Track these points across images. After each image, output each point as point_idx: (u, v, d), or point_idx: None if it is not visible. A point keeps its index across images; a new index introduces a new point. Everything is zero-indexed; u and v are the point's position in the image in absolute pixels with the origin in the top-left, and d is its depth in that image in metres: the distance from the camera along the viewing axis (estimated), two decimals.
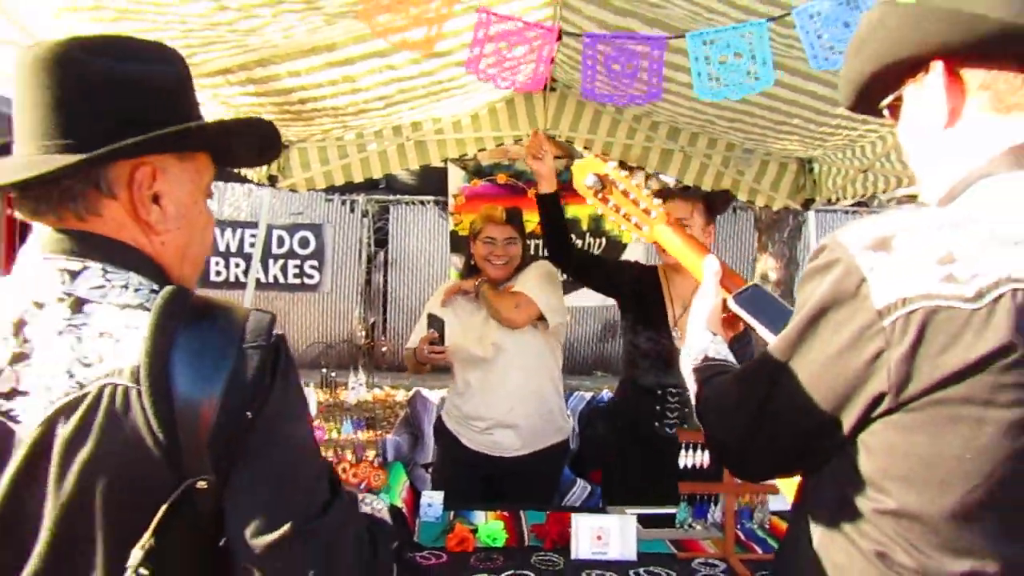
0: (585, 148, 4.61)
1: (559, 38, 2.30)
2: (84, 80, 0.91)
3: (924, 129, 1.04)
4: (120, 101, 0.93)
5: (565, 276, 3.19)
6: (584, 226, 5.10)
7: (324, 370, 8.26)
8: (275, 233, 9.38)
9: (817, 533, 1.01)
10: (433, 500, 2.49)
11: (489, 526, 2.32)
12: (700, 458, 2.29)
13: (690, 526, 2.41)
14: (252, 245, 8.79)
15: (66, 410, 0.84)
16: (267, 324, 0.90)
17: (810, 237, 4.80)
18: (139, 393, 0.83)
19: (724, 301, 1.41)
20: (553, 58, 2.91)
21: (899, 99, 1.07)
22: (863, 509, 0.93)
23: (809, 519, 1.03)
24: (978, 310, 0.83)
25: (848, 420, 0.92)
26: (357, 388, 8.18)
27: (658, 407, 2.80)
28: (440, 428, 3.17)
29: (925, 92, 1.01)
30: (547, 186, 2.87)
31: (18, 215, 0.95)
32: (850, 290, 0.90)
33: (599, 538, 2.19)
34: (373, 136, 4.34)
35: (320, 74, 3.18)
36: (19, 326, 0.88)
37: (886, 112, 1.11)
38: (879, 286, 0.87)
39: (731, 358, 1.29)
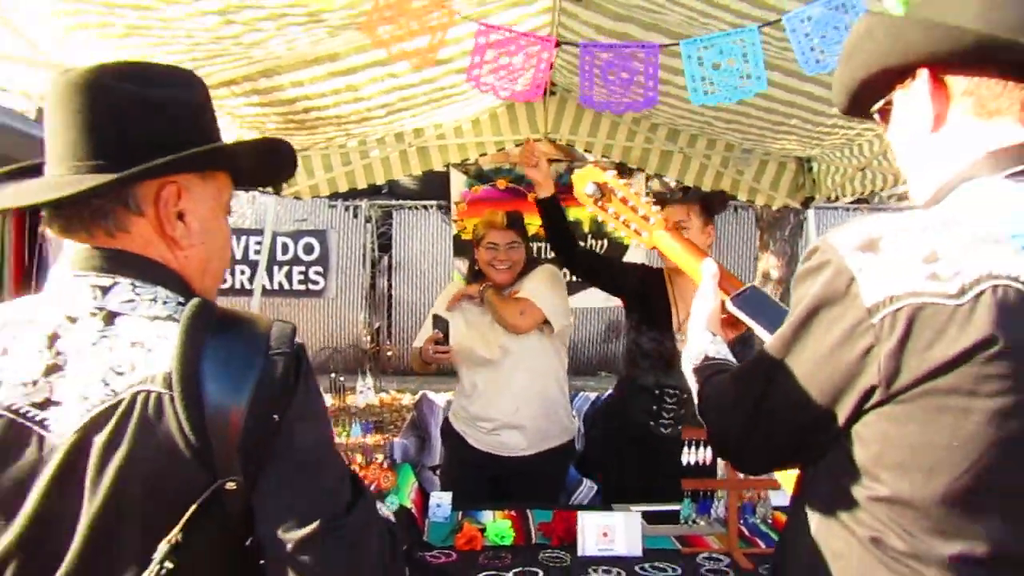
0: (586, 151, 4.66)
1: (557, 46, 2.34)
2: (113, 104, 0.96)
3: (911, 133, 1.08)
4: (147, 123, 0.98)
5: (571, 277, 3.24)
6: (586, 228, 5.15)
7: (333, 375, 8.30)
8: (280, 240, 9.45)
9: (815, 522, 1.06)
10: (442, 501, 2.54)
11: (497, 525, 2.36)
12: (703, 455, 2.34)
13: (694, 522, 2.45)
14: (257, 252, 8.85)
15: (102, 416, 0.89)
16: (289, 333, 0.95)
17: (811, 235, 4.83)
18: (171, 399, 0.88)
19: (723, 302, 1.46)
20: (552, 63, 2.95)
21: (889, 104, 1.12)
22: (858, 497, 0.98)
23: (807, 509, 1.08)
24: (961, 306, 0.87)
25: (842, 413, 0.97)
26: (365, 392, 8.23)
27: (655, 406, 2.84)
28: (447, 429, 3.21)
29: (912, 98, 1.06)
30: (545, 190, 2.91)
31: (49, 232, 1.00)
32: (841, 289, 0.94)
33: (605, 535, 2.24)
34: (376, 143, 4.39)
35: (323, 84, 3.24)
36: (53, 339, 0.93)
37: (877, 116, 1.16)
38: (868, 285, 0.92)
39: (731, 357, 1.34)
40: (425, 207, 10.08)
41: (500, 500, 2.87)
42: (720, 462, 2.38)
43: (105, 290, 0.95)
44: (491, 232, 3.05)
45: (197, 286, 1.05)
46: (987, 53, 0.97)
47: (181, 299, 0.99)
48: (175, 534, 0.86)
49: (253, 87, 3.13)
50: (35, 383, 0.91)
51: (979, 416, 0.88)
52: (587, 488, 4.00)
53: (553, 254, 3.06)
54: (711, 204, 2.88)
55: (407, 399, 8.38)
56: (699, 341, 1.36)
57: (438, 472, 4.15)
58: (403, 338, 10.00)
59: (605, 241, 5.22)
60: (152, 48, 2.59)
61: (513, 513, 2.53)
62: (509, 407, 3.01)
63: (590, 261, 3.13)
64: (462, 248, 4.90)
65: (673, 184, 4.84)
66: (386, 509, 1.19)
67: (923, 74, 1.03)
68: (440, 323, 2.95)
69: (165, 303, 0.97)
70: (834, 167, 4.13)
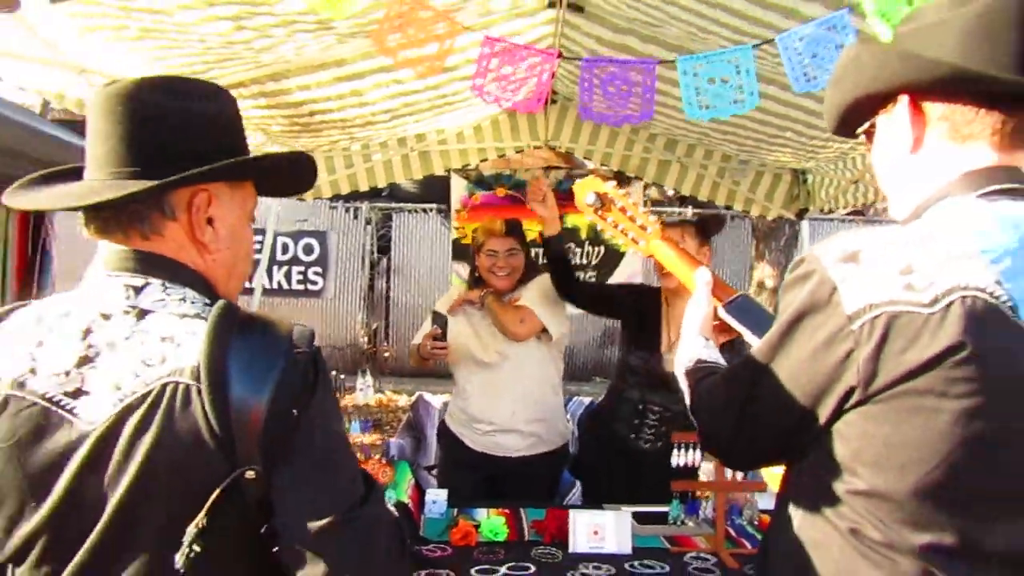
0: (585, 158, 4.74)
1: (559, 57, 2.42)
2: (151, 116, 1.03)
3: (893, 154, 1.17)
4: (182, 134, 1.05)
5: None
6: (583, 235, 5.23)
7: (333, 373, 8.37)
8: (280, 240, 9.51)
9: (798, 516, 1.13)
10: (437, 497, 2.60)
11: (491, 521, 2.42)
12: (690, 457, 2.40)
13: (682, 523, 2.52)
14: (258, 251, 8.91)
15: (133, 405, 0.95)
16: (308, 336, 1.02)
17: (805, 246, 4.92)
18: (199, 390, 0.94)
19: (715, 309, 1.53)
20: (554, 72, 3.03)
21: (873, 127, 1.21)
22: (838, 491, 1.05)
23: (791, 503, 1.15)
24: (933, 314, 0.95)
25: (824, 412, 1.04)
26: (365, 389, 8.29)
27: (636, 420, 2.91)
28: (443, 430, 3.27)
29: (893, 122, 1.15)
30: (551, 228, 2.95)
31: (85, 234, 1.06)
32: (824, 298, 1.02)
33: (596, 533, 2.30)
34: (379, 147, 4.46)
35: (329, 88, 3.31)
36: (86, 333, 0.99)
37: (863, 137, 1.24)
38: (849, 294, 0.99)
39: (721, 361, 1.41)
40: (425, 210, 10.15)
41: (495, 499, 2.93)
42: (705, 465, 2.44)
43: (138, 290, 1.02)
44: (491, 239, 3.11)
45: (222, 288, 1.12)
46: (960, 83, 1.06)
47: (207, 300, 1.05)
48: (202, 518, 0.92)
49: (261, 90, 3.20)
50: (68, 373, 0.97)
51: (948, 416, 0.95)
52: (580, 490, 4.05)
53: (555, 289, 3.08)
54: (706, 226, 2.94)
55: (403, 400, 8.44)
56: (692, 345, 1.43)
57: (433, 472, 4.21)
58: (400, 340, 10.05)
59: (602, 248, 5.30)
60: (164, 51, 2.66)
61: (507, 511, 2.59)
62: (506, 411, 3.07)
63: (588, 293, 3.17)
64: (461, 252, 4.97)
65: (671, 192, 4.91)
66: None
67: (903, 100, 1.12)
68: (439, 319, 3.01)
69: (193, 303, 1.03)
70: (828, 179, 4.21)
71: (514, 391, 3.07)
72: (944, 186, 1.09)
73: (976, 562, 0.99)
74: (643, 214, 1.74)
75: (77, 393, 0.96)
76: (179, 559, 0.92)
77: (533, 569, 2.16)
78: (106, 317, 1.00)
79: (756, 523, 2.53)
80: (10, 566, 0.99)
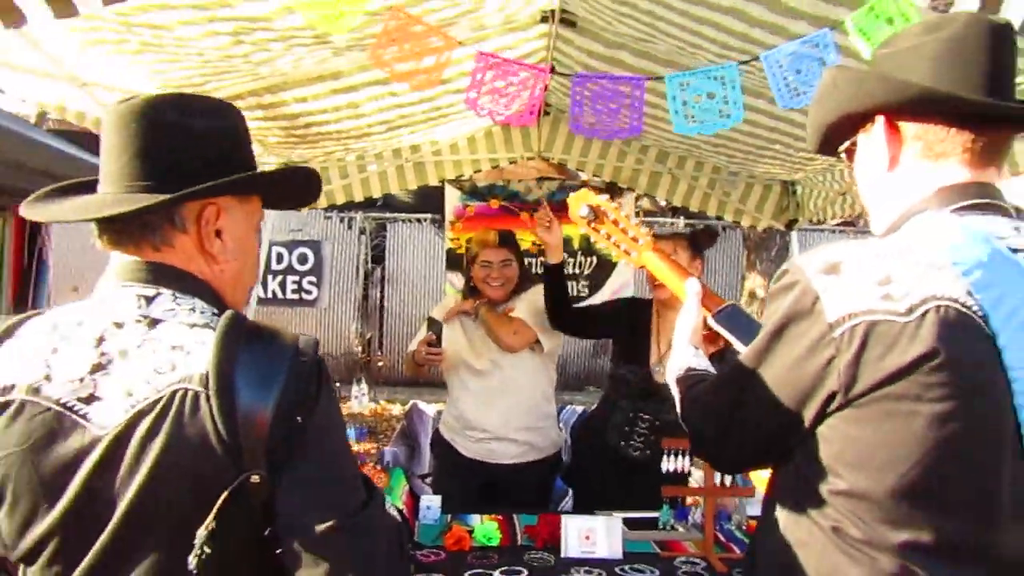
0: (578, 170, 4.80)
1: (552, 72, 2.48)
2: (163, 132, 1.08)
3: (871, 172, 1.24)
4: (193, 149, 1.09)
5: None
6: (575, 245, 5.27)
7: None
8: (274, 249, 9.50)
9: (783, 516, 1.18)
10: (431, 504, 2.63)
11: (484, 527, 2.46)
12: (680, 464, 2.45)
13: (672, 528, 2.56)
14: None
15: (144, 411, 0.98)
16: (312, 345, 1.06)
17: (795, 256, 4.97)
18: (207, 397, 0.98)
19: (705, 319, 1.58)
20: (547, 86, 3.08)
21: (853, 145, 1.27)
22: (821, 491, 1.10)
23: (777, 504, 1.20)
24: (909, 323, 1.00)
25: (808, 415, 1.09)
26: (360, 397, 8.32)
27: (627, 428, 2.95)
28: (437, 438, 3.30)
29: (872, 140, 1.21)
30: (555, 256, 2.97)
31: (99, 245, 1.11)
32: (807, 307, 1.07)
33: (587, 538, 2.34)
34: (374, 157, 4.50)
35: (325, 100, 3.36)
36: (99, 341, 1.03)
37: (844, 155, 1.30)
38: (830, 303, 1.05)
39: (711, 368, 1.46)
40: (419, 220, 10.20)
41: (488, 506, 2.96)
42: (696, 472, 2.49)
43: (149, 299, 1.06)
44: (484, 251, 3.15)
45: (229, 298, 1.16)
46: (930, 103, 1.13)
47: (215, 310, 1.09)
48: (211, 521, 0.96)
49: (258, 102, 3.24)
50: (81, 380, 1.00)
51: (923, 419, 1.01)
52: (572, 498, 4.09)
53: (546, 315, 3.09)
54: (698, 239, 2.99)
55: (397, 409, 8.46)
56: (683, 354, 1.48)
57: (427, 481, 4.24)
58: (394, 349, 10.08)
59: (594, 258, 5.35)
60: (164, 64, 2.71)
61: (500, 516, 2.62)
62: (499, 420, 3.11)
63: (580, 321, 3.19)
64: (455, 262, 5.00)
65: (663, 203, 4.96)
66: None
67: (879, 120, 1.18)
68: (435, 325, 3.05)
69: (202, 312, 1.07)
70: (817, 191, 4.27)
71: (507, 399, 3.11)
72: (919, 201, 1.15)
73: (950, 559, 1.04)
74: (635, 226, 1.79)
75: (90, 399, 1.00)
76: (192, 561, 0.95)
77: (526, 573, 2.20)
78: (119, 326, 1.04)
79: (744, 528, 2.58)
80: (22, 565, 1.02)
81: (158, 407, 0.98)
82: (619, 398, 3.01)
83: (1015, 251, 1.06)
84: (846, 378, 1.03)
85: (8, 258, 4.13)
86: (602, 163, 4.54)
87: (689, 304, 1.55)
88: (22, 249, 4.19)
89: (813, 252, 1.12)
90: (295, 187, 1.28)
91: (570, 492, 3.97)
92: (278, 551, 1.02)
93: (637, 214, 7.39)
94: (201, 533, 0.96)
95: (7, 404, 1.00)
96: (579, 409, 4.97)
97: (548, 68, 2.42)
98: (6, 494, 0.99)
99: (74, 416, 0.99)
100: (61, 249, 4.39)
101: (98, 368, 1.01)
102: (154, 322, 1.04)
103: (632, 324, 3.04)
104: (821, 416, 1.08)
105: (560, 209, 2.99)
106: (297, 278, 9.94)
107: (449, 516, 2.63)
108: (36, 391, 1.00)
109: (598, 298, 5.28)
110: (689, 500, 2.95)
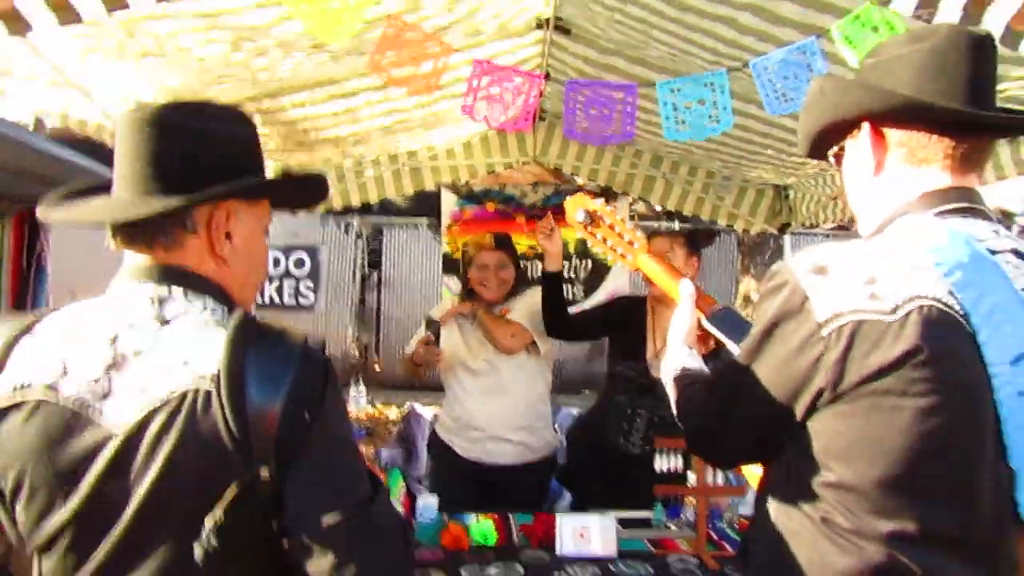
0: (573, 174, 4.84)
1: (546, 78, 2.53)
2: (176, 137, 1.11)
3: (858, 176, 1.29)
4: (205, 154, 1.13)
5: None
6: (571, 249, 5.30)
7: None
8: (272, 254, 9.56)
9: (775, 508, 1.23)
10: (428, 503, 2.67)
11: (480, 525, 2.50)
12: (674, 463, 2.49)
13: (665, 526, 2.60)
14: None
15: (157, 408, 1.02)
16: (320, 345, 1.10)
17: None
18: (218, 395, 1.01)
19: (699, 320, 1.62)
20: (542, 92, 3.12)
21: (841, 150, 1.32)
22: (811, 484, 1.14)
23: (770, 497, 1.25)
24: (894, 321, 1.05)
25: (798, 410, 1.14)
26: (358, 398, 8.34)
27: (625, 424, 2.99)
28: (434, 439, 3.33)
29: (858, 146, 1.26)
30: (554, 264, 3.01)
31: (112, 245, 1.14)
32: (797, 306, 1.12)
33: (582, 535, 2.38)
34: (370, 163, 4.53)
35: (323, 106, 3.39)
36: (114, 340, 1.06)
37: (832, 160, 1.35)
38: (819, 303, 1.09)
39: (705, 368, 1.51)
40: (416, 225, 10.23)
41: (485, 505, 2.99)
42: (691, 475, 2.52)
43: (162, 300, 1.09)
44: (481, 253, 3.19)
45: (238, 298, 1.19)
46: (912, 111, 1.18)
47: (225, 309, 1.13)
48: (219, 513, 1.00)
49: (257, 108, 3.28)
50: (96, 379, 1.04)
51: (908, 414, 1.05)
52: (568, 500, 4.12)
53: (543, 324, 3.13)
54: (696, 238, 3.03)
55: (394, 413, 8.48)
56: (677, 355, 1.52)
57: (423, 483, 4.27)
58: (391, 353, 10.09)
59: (589, 261, 5.39)
60: (163, 70, 2.74)
61: (496, 516, 2.66)
62: (495, 420, 3.14)
63: (576, 328, 3.21)
64: (451, 266, 5.03)
65: (659, 208, 5.00)
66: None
67: (865, 127, 1.24)
68: (432, 325, 3.09)
69: (213, 312, 1.11)
70: (809, 195, 4.32)
71: (503, 400, 3.15)
72: (903, 205, 1.20)
73: (934, 547, 1.08)
74: (630, 230, 1.83)
75: (105, 396, 1.03)
76: (197, 550, 0.99)
77: (522, 570, 2.23)
78: (132, 325, 1.07)
79: (736, 526, 2.62)
80: (37, 555, 1.05)
81: (171, 404, 1.01)
82: (617, 394, 3.04)
83: (994, 252, 1.11)
84: (834, 374, 1.07)
85: (7, 263, 4.13)
86: (597, 168, 4.58)
87: (683, 306, 1.59)
88: (21, 254, 4.20)
89: (802, 254, 1.17)
90: (305, 191, 1.32)
91: (566, 494, 4.00)
92: (285, 545, 1.05)
93: (632, 218, 7.44)
94: (209, 525, 0.99)
95: (25, 402, 1.03)
96: (575, 412, 5.02)
97: (543, 74, 2.46)
98: (24, 487, 1.02)
99: (89, 413, 1.03)
100: (59, 254, 4.40)
101: (113, 367, 1.04)
102: (166, 322, 1.08)
103: (627, 321, 3.08)
104: (811, 411, 1.12)
105: (556, 213, 3.04)
106: (294, 283, 10.00)
107: (446, 515, 2.66)
108: (53, 389, 1.03)
109: (593, 302, 5.32)
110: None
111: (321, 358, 1.08)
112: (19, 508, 1.04)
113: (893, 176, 1.22)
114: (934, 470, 1.07)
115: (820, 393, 1.10)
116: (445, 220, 5.28)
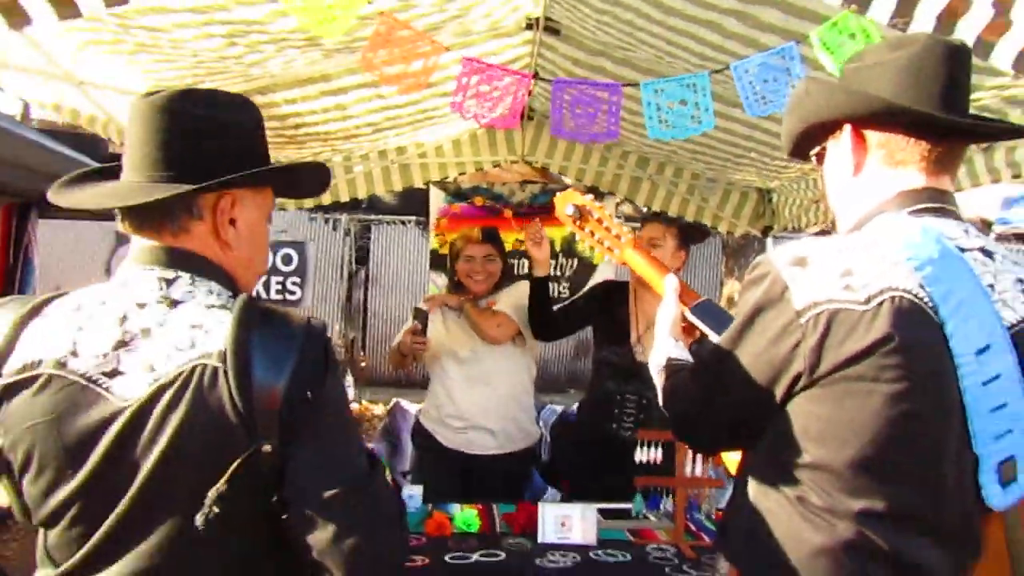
0: (560, 173, 4.90)
1: (535, 77, 2.58)
2: (184, 125, 1.16)
3: (838, 176, 1.35)
4: (212, 142, 1.17)
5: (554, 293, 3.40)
6: (557, 247, 5.37)
7: None
8: None
9: (753, 488, 1.29)
10: (413, 493, 2.72)
11: (464, 514, 2.55)
12: (654, 454, 2.55)
13: (645, 517, 2.66)
14: None
15: (165, 384, 1.06)
16: (321, 326, 1.14)
17: None
18: (225, 372, 1.05)
19: (682, 312, 1.68)
20: (531, 91, 3.18)
21: (823, 151, 1.39)
22: (788, 464, 1.21)
23: (748, 478, 1.31)
24: (867, 311, 1.11)
25: (778, 394, 1.20)
26: (347, 390, 8.37)
27: (616, 410, 3.05)
28: (418, 428, 3.39)
29: (839, 147, 1.33)
30: (542, 270, 3.07)
31: (121, 228, 1.18)
32: (777, 295, 1.18)
33: (563, 524, 2.44)
34: (360, 159, 4.57)
35: (314, 102, 3.43)
36: (123, 320, 1.10)
37: (814, 160, 1.41)
38: (798, 292, 1.15)
39: (690, 358, 1.57)
40: (403, 222, 10.26)
41: (468, 494, 3.05)
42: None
43: (169, 282, 1.14)
44: (468, 246, 3.25)
45: (241, 282, 1.23)
46: (890, 115, 1.25)
47: (230, 293, 1.17)
48: (222, 484, 1.04)
49: None
50: (105, 356, 1.08)
51: (879, 398, 1.11)
52: (551, 495, 4.18)
53: (531, 327, 3.18)
54: (688, 232, 3.09)
55: (380, 409, 8.51)
56: (663, 346, 1.57)
57: (408, 477, 4.31)
58: (377, 350, 10.12)
59: (575, 260, 5.46)
60: (158, 64, 2.78)
61: (479, 505, 2.71)
62: (478, 410, 3.20)
63: (561, 325, 3.27)
64: (439, 262, 5.08)
65: (644, 209, 5.06)
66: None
67: (847, 128, 1.30)
68: (420, 315, 3.14)
69: (219, 295, 1.15)
70: (792, 198, 4.39)
71: (486, 388, 3.21)
72: (880, 204, 1.27)
73: (901, 526, 1.15)
74: (618, 224, 1.89)
75: (113, 373, 1.07)
76: (199, 519, 1.03)
77: (504, 556, 2.29)
78: (141, 306, 1.11)
79: (713, 517, 2.68)
80: (42, 529, 1.09)
81: (179, 381, 1.05)
82: (603, 383, 3.11)
83: (963, 250, 1.18)
84: (811, 360, 1.13)
85: None
86: (584, 167, 4.64)
87: (668, 299, 1.65)
88: (7, 247, 4.19)
89: (784, 247, 1.23)
90: (307, 180, 1.37)
91: (549, 489, 4.06)
92: (284, 517, 1.10)
93: (619, 218, 7.48)
94: (211, 494, 1.03)
95: (35, 378, 1.07)
96: (559, 408, 5.06)
97: (531, 74, 2.51)
98: (32, 462, 1.06)
99: (98, 389, 1.06)
100: (45, 248, 4.40)
101: (122, 345, 1.08)
102: (174, 303, 1.12)
103: (610, 307, 3.15)
104: (789, 395, 1.19)
105: (543, 211, 3.10)
106: (281, 279, 9.97)
107: (430, 505, 2.71)
108: (62, 365, 1.07)
109: None
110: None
111: (323, 340, 1.12)
112: (26, 482, 1.07)
113: (872, 176, 1.29)
114: (903, 452, 1.13)
115: (798, 378, 1.16)
116: (433, 217, 5.32)
